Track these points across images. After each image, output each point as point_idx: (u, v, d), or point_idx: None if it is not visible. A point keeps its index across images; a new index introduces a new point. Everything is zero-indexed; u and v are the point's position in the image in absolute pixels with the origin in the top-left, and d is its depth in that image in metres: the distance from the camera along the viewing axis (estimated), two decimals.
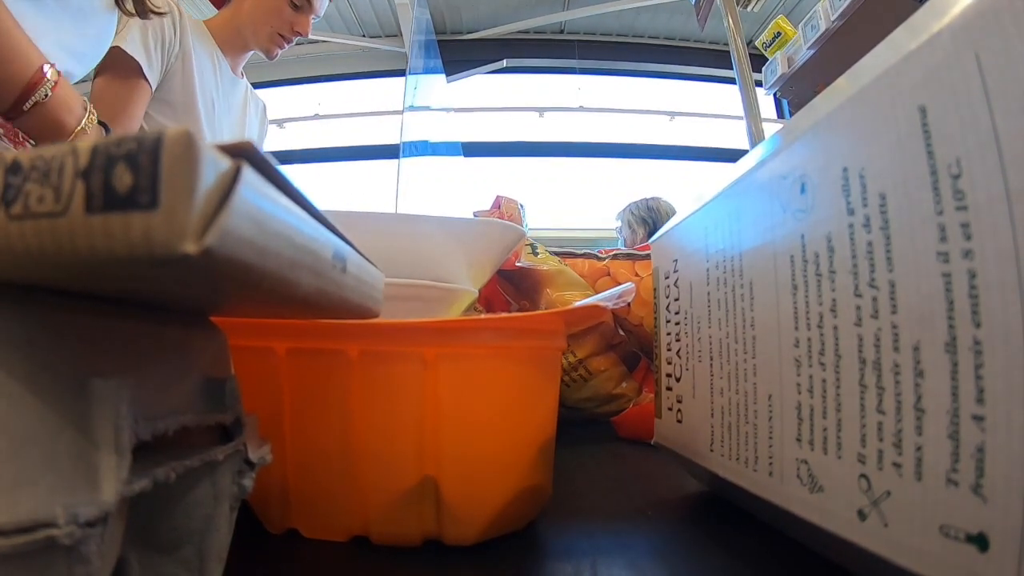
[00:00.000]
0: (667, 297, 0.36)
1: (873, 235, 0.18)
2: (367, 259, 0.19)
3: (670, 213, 2.55)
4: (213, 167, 0.10)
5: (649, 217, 2.57)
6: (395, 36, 4.23)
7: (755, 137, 1.85)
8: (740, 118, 1.89)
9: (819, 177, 0.21)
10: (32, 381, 0.12)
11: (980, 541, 0.14)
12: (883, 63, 0.18)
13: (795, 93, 2.25)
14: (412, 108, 3.97)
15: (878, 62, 0.18)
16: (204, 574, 0.18)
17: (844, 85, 0.20)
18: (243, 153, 0.11)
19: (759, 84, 2.11)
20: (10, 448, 0.11)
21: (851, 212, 0.19)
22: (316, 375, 0.27)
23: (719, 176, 0.29)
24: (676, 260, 0.35)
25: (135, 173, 0.10)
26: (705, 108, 4.46)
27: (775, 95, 2.31)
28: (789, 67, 2.15)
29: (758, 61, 2.16)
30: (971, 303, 0.15)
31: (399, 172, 3.63)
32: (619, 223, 2.66)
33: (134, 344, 0.15)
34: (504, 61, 4.35)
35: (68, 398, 0.12)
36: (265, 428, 0.21)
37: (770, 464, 0.23)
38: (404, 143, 3.80)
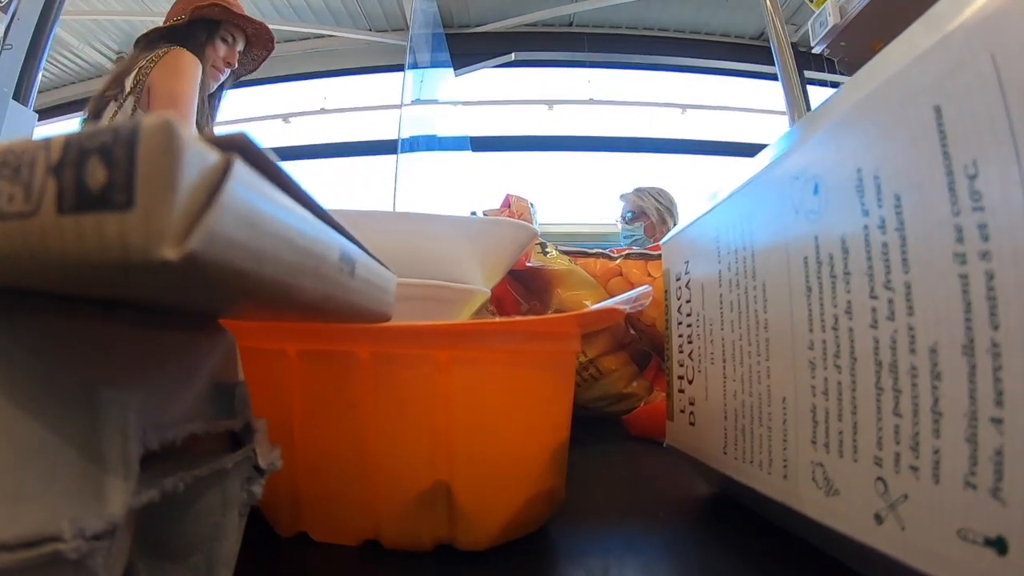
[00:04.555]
0: (678, 299, 0.36)
1: (888, 236, 0.18)
2: (378, 260, 0.19)
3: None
4: (198, 161, 0.09)
5: (673, 211, 2.47)
6: (402, 30, 4.21)
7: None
8: (753, 111, 1.85)
9: (832, 178, 0.20)
10: (37, 391, 0.11)
11: (999, 545, 0.14)
12: (897, 62, 0.18)
13: (847, 51, 1.93)
14: (418, 102, 3.95)
15: (892, 61, 0.18)
16: None
17: (857, 84, 0.20)
18: (235, 146, 0.11)
19: (812, 83, 1.97)
20: (14, 460, 0.11)
21: (866, 213, 0.19)
22: (326, 377, 0.27)
23: (731, 174, 0.29)
24: (688, 262, 0.34)
25: (109, 168, 0.09)
26: (717, 102, 4.43)
27: (824, 53, 1.99)
28: (841, 18, 1.83)
29: (806, 59, 2.02)
30: (989, 305, 0.15)
31: (397, 168, 3.60)
32: (630, 206, 2.52)
33: (141, 351, 0.15)
34: (512, 54, 4.32)
35: (74, 408, 0.12)
36: (275, 430, 0.21)
37: (785, 467, 0.23)
38: (414, 137, 3.79)
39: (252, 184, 0.10)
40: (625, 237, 2.48)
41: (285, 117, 4.40)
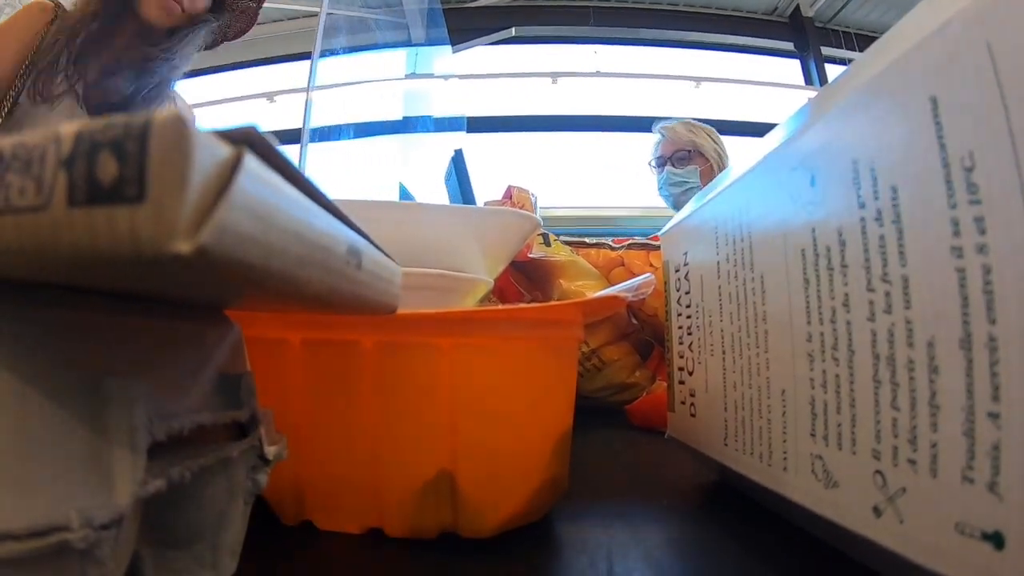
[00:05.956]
0: (678, 291, 0.36)
1: (885, 229, 0.18)
2: (384, 252, 0.19)
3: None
4: (209, 155, 0.09)
5: (726, 156, 1.84)
6: (397, 6, 4.09)
7: None
8: (772, 84, 1.74)
9: (829, 169, 0.20)
10: (44, 381, 0.12)
11: (996, 539, 0.14)
12: (893, 52, 0.18)
13: None
14: (413, 75, 3.88)
15: (888, 51, 0.18)
16: (218, 569, 0.18)
17: (855, 72, 0.20)
18: (245, 139, 0.10)
19: (831, 61, 1.84)
20: (22, 450, 0.11)
21: (862, 206, 0.19)
22: (331, 366, 0.27)
23: (738, 160, 0.29)
24: (686, 253, 0.34)
25: (121, 162, 0.09)
26: (732, 75, 4.29)
27: None
28: None
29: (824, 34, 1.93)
30: (986, 299, 0.15)
31: (304, 157, 3.37)
32: (680, 142, 1.83)
33: (148, 341, 0.15)
34: (512, 29, 4.17)
35: (81, 398, 0.12)
36: (279, 420, 0.21)
37: (784, 459, 0.23)
38: (407, 118, 3.69)
39: (262, 177, 0.10)
40: (673, 185, 1.82)
41: (270, 96, 4.25)
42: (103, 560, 0.12)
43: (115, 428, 0.13)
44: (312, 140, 3.72)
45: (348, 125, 3.87)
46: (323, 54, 3.83)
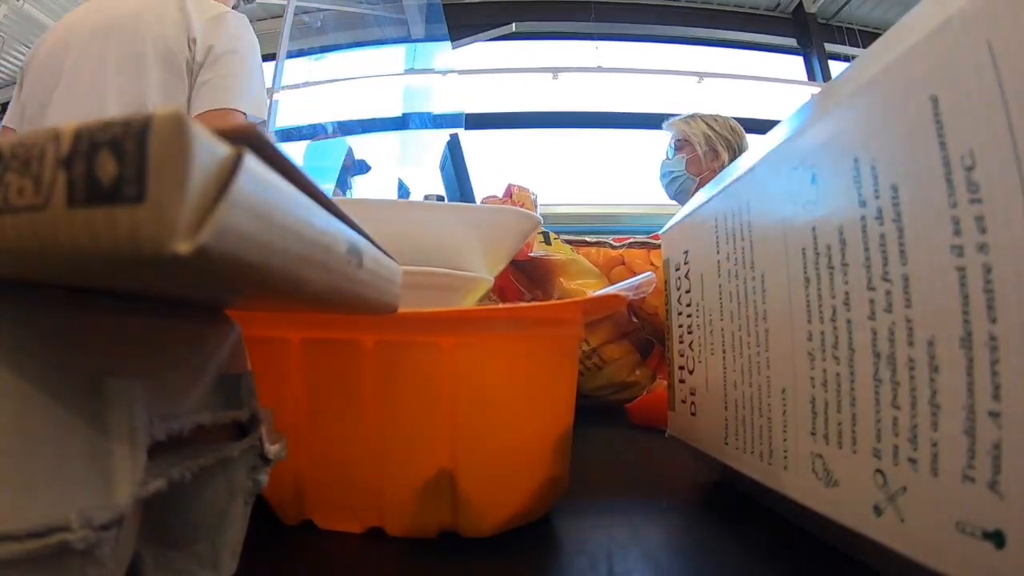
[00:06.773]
0: (678, 289, 0.36)
1: (886, 228, 0.18)
2: (384, 251, 0.19)
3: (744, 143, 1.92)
4: (209, 154, 0.09)
5: (734, 141, 1.87)
6: (396, 1, 4.01)
7: None
8: (775, 80, 1.73)
9: (829, 168, 0.20)
10: (45, 381, 0.11)
11: (997, 538, 0.14)
12: (894, 51, 0.18)
13: None
14: (412, 71, 3.85)
15: (888, 50, 0.18)
16: (218, 568, 0.18)
17: (856, 71, 0.20)
18: (245, 138, 0.10)
19: (834, 57, 1.82)
20: (23, 450, 0.11)
21: (863, 204, 0.19)
22: (331, 365, 0.27)
23: (736, 162, 0.29)
24: (687, 251, 0.34)
25: (120, 161, 0.09)
26: (735, 71, 4.25)
27: None
28: None
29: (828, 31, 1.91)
30: (986, 297, 0.15)
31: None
32: (677, 134, 1.92)
33: (148, 342, 0.15)
34: (513, 25, 4.09)
35: (82, 398, 0.12)
36: (280, 419, 0.21)
37: (785, 458, 0.23)
38: (406, 115, 3.66)
39: (262, 177, 0.10)
40: (663, 176, 1.94)
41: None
42: (103, 560, 0.11)
43: (115, 428, 0.13)
44: (306, 137, 3.70)
45: (349, 122, 3.86)
46: (323, 50, 3.81)
